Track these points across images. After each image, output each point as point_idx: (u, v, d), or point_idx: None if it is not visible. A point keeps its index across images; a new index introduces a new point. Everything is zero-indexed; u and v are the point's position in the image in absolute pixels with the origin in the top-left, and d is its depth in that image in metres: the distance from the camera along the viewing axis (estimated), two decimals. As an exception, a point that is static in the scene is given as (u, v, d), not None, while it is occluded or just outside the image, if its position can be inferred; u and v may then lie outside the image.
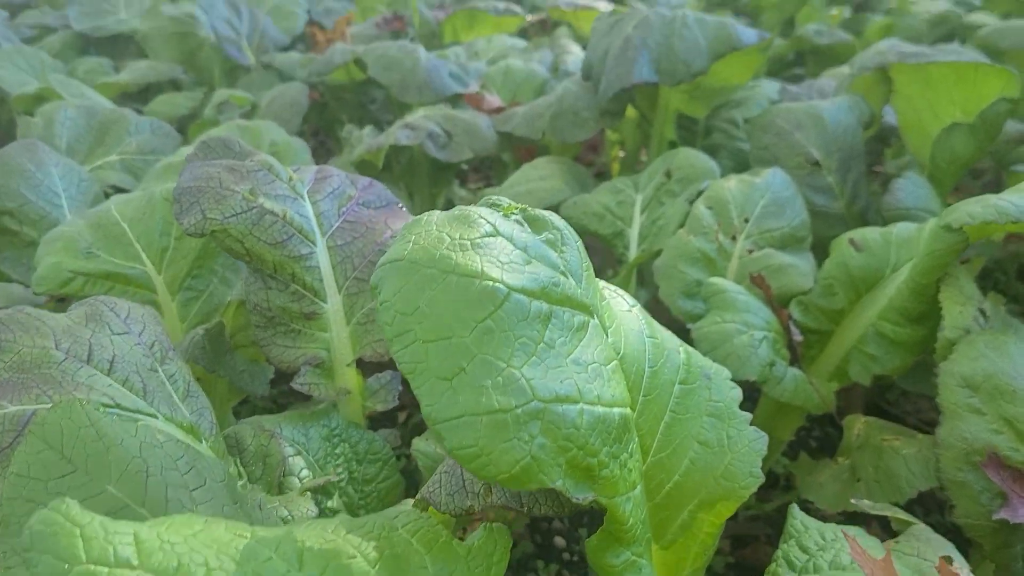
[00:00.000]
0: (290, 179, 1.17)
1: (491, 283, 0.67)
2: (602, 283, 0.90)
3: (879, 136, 1.84)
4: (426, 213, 0.74)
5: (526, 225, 0.77)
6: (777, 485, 1.43)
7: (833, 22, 3.44)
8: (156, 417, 0.86)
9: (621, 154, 2.40)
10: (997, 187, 2.42)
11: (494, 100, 1.99)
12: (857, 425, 1.20)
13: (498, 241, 0.71)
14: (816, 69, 3.08)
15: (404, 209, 1.26)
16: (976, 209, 1.04)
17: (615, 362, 0.75)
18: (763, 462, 1.29)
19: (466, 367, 0.64)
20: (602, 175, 2.82)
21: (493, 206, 0.80)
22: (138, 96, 2.90)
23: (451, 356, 0.65)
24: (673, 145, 1.92)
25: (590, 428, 0.68)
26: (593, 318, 0.75)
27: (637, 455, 0.77)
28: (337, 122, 2.50)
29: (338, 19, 2.87)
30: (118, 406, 0.83)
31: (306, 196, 1.17)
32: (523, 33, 3.27)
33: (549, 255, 0.75)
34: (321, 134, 2.82)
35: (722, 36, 1.61)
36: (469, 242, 0.70)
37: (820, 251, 1.53)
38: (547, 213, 0.79)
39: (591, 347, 0.72)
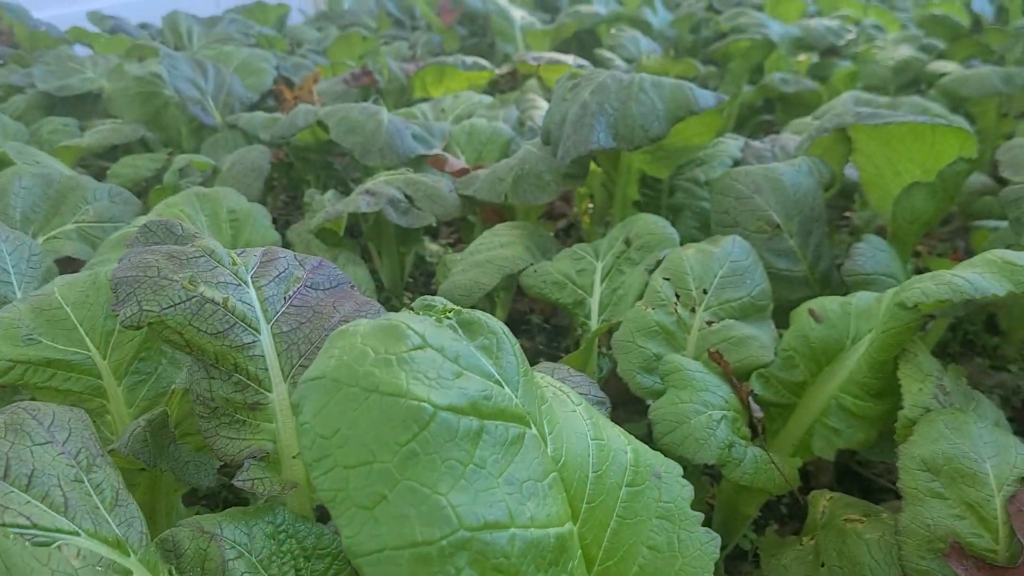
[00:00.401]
0: (233, 264, 1.14)
1: (416, 402, 0.64)
2: (547, 379, 0.87)
3: (843, 192, 1.83)
4: (353, 323, 0.71)
5: (460, 331, 0.74)
6: (745, 558, 1.39)
7: (801, 68, 3.47)
8: (78, 534, 0.82)
9: (591, 206, 2.39)
10: (965, 233, 2.42)
11: (457, 162, 1.98)
12: (822, 502, 1.17)
13: (427, 354, 0.68)
14: (784, 116, 3.10)
15: (355, 289, 1.23)
16: (931, 287, 1.02)
17: (554, 474, 0.72)
18: (729, 537, 1.25)
19: (388, 495, 0.61)
20: (573, 226, 2.81)
21: (427, 308, 0.77)
22: (108, 154, 2.87)
23: (373, 483, 0.61)
24: (637, 204, 1.91)
25: (522, 555, 0.64)
26: (530, 428, 0.72)
27: (581, 569, 0.74)
28: (305, 182, 2.48)
29: (306, 76, 2.87)
30: (35, 526, 0.78)
31: (250, 282, 1.14)
32: (495, 84, 3.28)
33: (483, 364, 0.72)
34: (288, 193, 2.80)
35: (679, 100, 1.60)
36: (395, 357, 0.67)
37: (785, 316, 1.51)
38: (483, 316, 0.77)
39: (526, 462, 0.69)
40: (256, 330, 1.11)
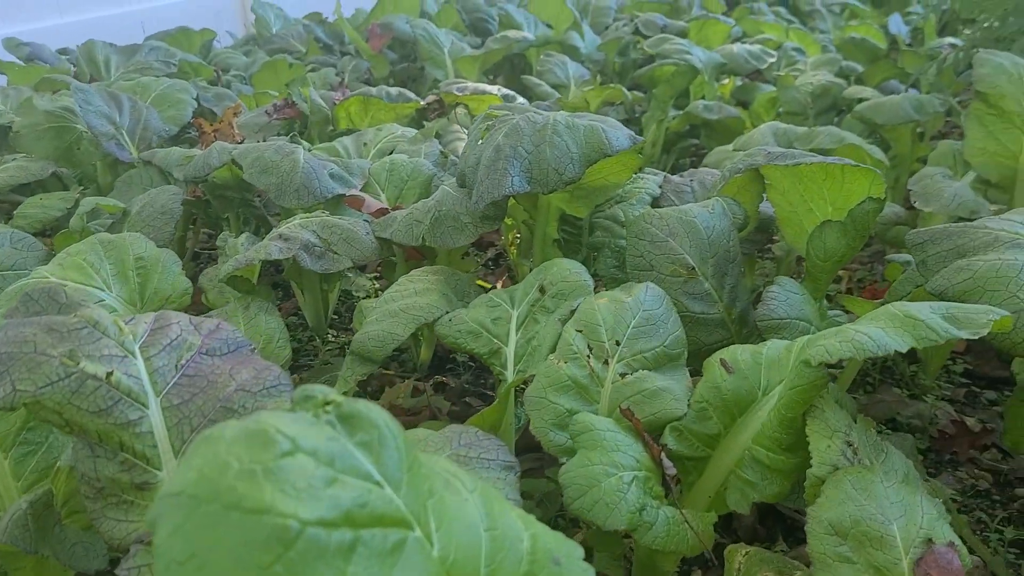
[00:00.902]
0: (120, 333, 1.09)
1: (282, 519, 0.60)
2: (439, 463, 0.84)
3: (761, 227, 1.84)
4: (219, 426, 0.66)
5: (339, 426, 0.70)
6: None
7: (725, 91, 3.51)
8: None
9: (519, 235, 2.36)
10: (883, 255, 2.46)
11: (374, 203, 1.93)
12: (737, 557, 1.15)
13: (297, 461, 0.64)
14: (710, 140, 3.13)
15: (255, 352, 1.18)
16: (834, 345, 1.02)
17: (439, 576, 0.69)
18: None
19: (250, 624, 0.57)
20: (501, 255, 2.79)
21: (305, 401, 0.73)
22: (21, 189, 2.75)
23: (233, 612, 0.57)
24: (557, 242, 1.89)
25: (398, 677, 0.61)
26: (413, 530, 0.69)
27: (471, 673, 0.70)
28: (223, 219, 2.41)
29: (226, 109, 2.79)
30: None
31: (138, 352, 1.08)
32: (423, 112, 3.25)
33: (361, 464, 0.68)
34: (209, 229, 2.72)
35: (593, 143, 1.59)
36: (260, 467, 0.62)
37: (703, 359, 1.51)
38: (365, 408, 0.73)
39: (408, 569, 0.66)
40: (144, 405, 1.05)
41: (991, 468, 1.70)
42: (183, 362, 1.11)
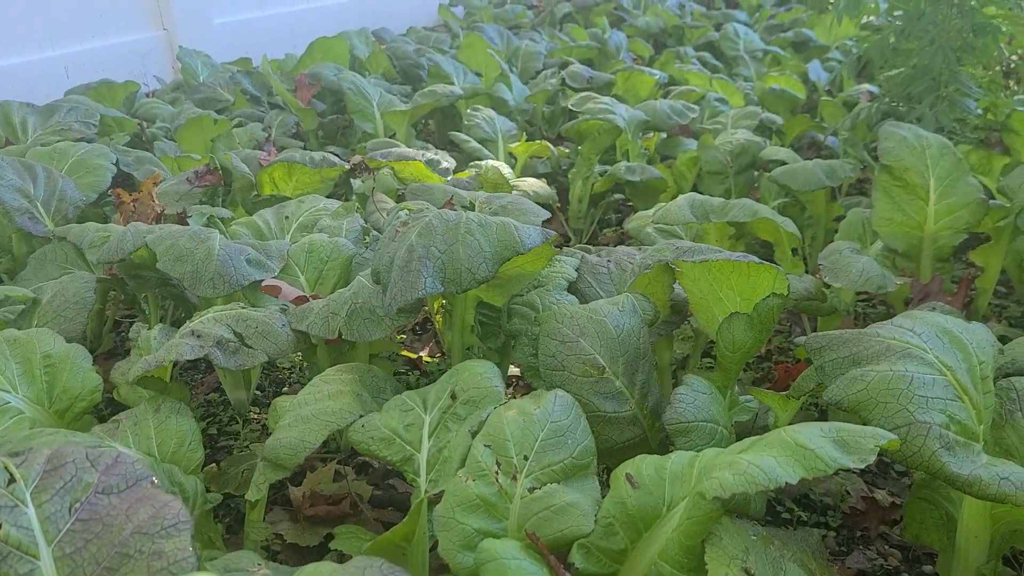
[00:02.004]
0: (10, 480, 1.06)
1: None
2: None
3: (676, 309, 1.87)
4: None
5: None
6: None
7: (649, 145, 3.58)
8: None
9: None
10: (800, 319, 2.53)
11: (291, 291, 1.92)
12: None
13: None
14: (635, 197, 3.18)
15: (156, 486, 1.16)
16: (728, 478, 1.04)
17: None
18: None
19: None
20: (428, 320, 2.78)
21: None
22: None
23: None
24: (474, 328, 1.90)
25: None
26: None
27: None
28: (141, 299, 2.37)
29: (146, 179, 2.74)
30: None
31: (29, 499, 1.05)
32: (352, 171, 3.24)
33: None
34: (126, 309, 2.66)
35: (506, 241, 1.61)
36: None
37: (615, 459, 1.52)
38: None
39: None
40: (35, 556, 1.02)
41: (900, 544, 1.75)
42: (78, 504, 1.08)
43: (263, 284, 1.93)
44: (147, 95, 5.69)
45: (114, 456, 1.16)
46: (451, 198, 2.05)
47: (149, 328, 1.95)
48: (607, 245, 3.26)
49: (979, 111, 3.21)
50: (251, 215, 2.85)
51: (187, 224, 2.56)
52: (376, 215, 2.54)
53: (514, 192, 2.86)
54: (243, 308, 1.83)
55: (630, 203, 3.49)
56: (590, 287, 1.94)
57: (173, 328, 1.92)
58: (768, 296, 1.55)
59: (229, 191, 2.97)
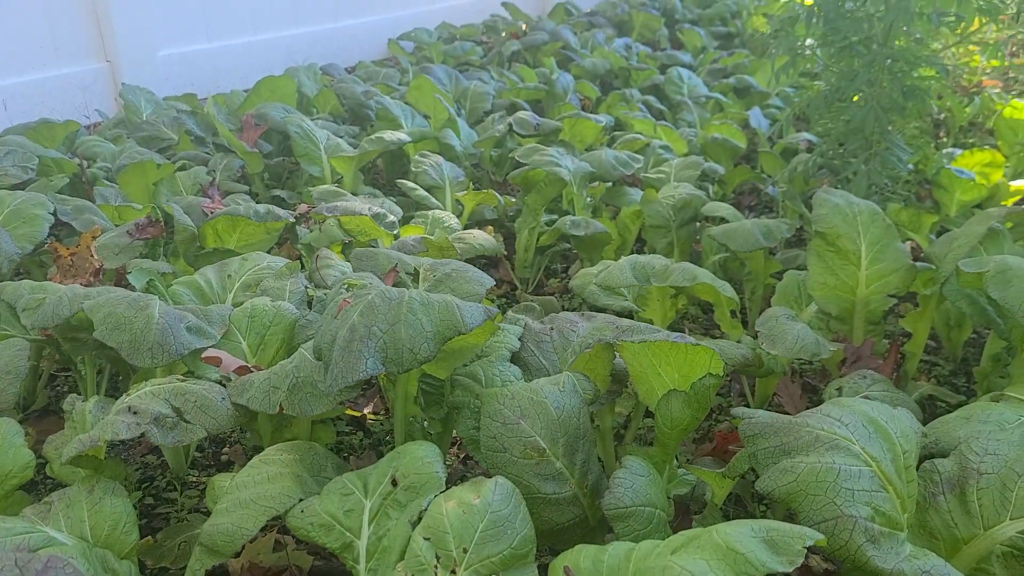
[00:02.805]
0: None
1: None
2: None
3: (616, 378, 1.90)
4: None
5: None
6: None
7: (595, 193, 3.63)
8: None
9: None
10: (740, 379, 2.59)
11: (232, 361, 1.90)
12: None
13: None
14: (580, 249, 3.22)
15: (86, 592, 1.14)
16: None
17: None
18: None
19: None
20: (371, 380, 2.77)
21: None
22: None
23: None
24: (417, 399, 1.90)
25: None
26: None
27: None
28: (79, 363, 2.32)
29: (84, 234, 2.69)
30: None
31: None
32: (298, 220, 3.22)
33: None
34: (63, 368, 2.60)
35: (448, 321, 1.62)
36: None
37: (557, 540, 1.54)
38: None
39: None
40: None
41: (833, 612, 1.79)
42: (3, 620, 1.05)
43: (204, 355, 1.91)
44: (88, 127, 5.59)
45: (43, 561, 1.14)
46: (395, 266, 2.06)
47: (85, 398, 1.91)
48: (552, 295, 3.30)
49: (911, 166, 3.33)
50: (194, 268, 2.83)
51: (127, 279, 2.52)
52: (323, 270, 2.53)
53: (461, 243, 2.88)
54: (181, 380, 1.81)
55: (574, 252, 3.54)
56: (533, 356, 1.96)
57: (110, 399, 1.89)
58: (705, 376, 1.59)
59: (171, 241, 2.93)
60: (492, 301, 3.22)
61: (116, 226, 3.08)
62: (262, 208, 2.85)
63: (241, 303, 2.30)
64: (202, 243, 2.87)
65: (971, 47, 3.41)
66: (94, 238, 2.67)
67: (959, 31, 3.21)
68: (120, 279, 2.65)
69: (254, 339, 2.10)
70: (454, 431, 1.94)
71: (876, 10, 3.08)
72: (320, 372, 1.72)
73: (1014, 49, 4.93)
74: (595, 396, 1.65)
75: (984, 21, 3.20)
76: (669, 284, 2.27)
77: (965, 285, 2.04)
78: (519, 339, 1.97)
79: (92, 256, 2.62)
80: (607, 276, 2.33)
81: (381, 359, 1.57)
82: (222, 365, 1.89)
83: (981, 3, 3.13)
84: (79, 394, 2.45)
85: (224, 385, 1.84)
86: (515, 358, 1.94)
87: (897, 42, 3.07)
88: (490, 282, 2.02)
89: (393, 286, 2.05)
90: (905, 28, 2.98)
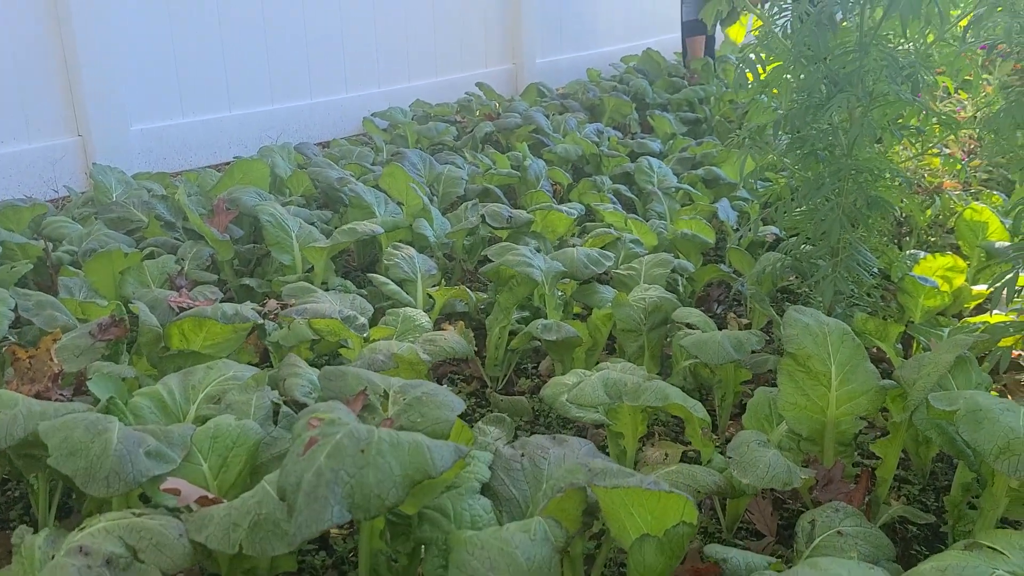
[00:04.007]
0: None
1: None
2: None
3: (587, 511, 1.87)
4: None
5: None
6: None
7: (567, 290, 3.64)
8: None
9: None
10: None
11: (192, 491, 1.84)
12: None
13: None
14: (552, 353, 3.21)
15: None
16: None
17: None
18: None
19: None
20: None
21: None
22: None
23: None
24: (383, 534, 1.86)
25: None
26: None
27: None
28: (33, 481, 2.24)
29: (44, 337, 2.63)
30: None
31: None
32: (266, 316, 3.18)
33: None
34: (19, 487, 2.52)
35: (418, 463, 1.59)
36: None
37: None
38: None
39: None
40: None
41: None
42: None
43: (163, 486, 1.85)
44: (56, 201, 5.54)
45: None
46: (364, 389, 2.02)
47: (37, 519, 1.84)
48: (523, 394, 3.27)
49: (876, 270, 3.38)
50: (157, 369, 2.77)
51: (87, 384, 2.45)
52: (291, 379, 2.49)
53: (432, 346, 2.85)
54: (137, 516, 1.74)
55: (548, 351, 3.52)
56: (503, 485, 1.93)
57: (62, 530, 1.81)
58: (678, 524, 1.57)
59: (135, 340, 2.87)
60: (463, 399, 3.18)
61: (79, 321, 3.03)
62: (230, 309, 2.81)
63: (205, 417, 2.25)
64: (167, 344, 2.81)
65: (932, 149, 3.51)
66: (55, 341, 2.61)
67: (919, 145, 3.30)
68: (80, 384, 2.58)
69: (216, 461, 2.04)
70: (420, 567, 1.89)
71: (841, 121, 3.16)
72: (283, 511, 1.67)
73: (973, 147, 5.10)
74: (567, 542, 1.62)
75: (944, 134, 3.30)
76: (641, 404, 2.25)
77: (935, 416, 2.04)
78: (489, 467, 1.93)
79: (52, 360, 2.56)
80: (579, 394, 2.31)
81: (348, 506, 1.53)
82: (181, 495, 1.83)
83: (942, 117, 3.23)
84: (30, 505, 2.37)
85: (182, 518, 1.78)
86: (485, 488, 1.90)
87: (861, 153, 3.15)
88: (461, 407, 2.00)
89: (362, 408, 2.02)
90: (868, 143, 3.06)
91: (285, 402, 2.41)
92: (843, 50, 3.09)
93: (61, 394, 2.54)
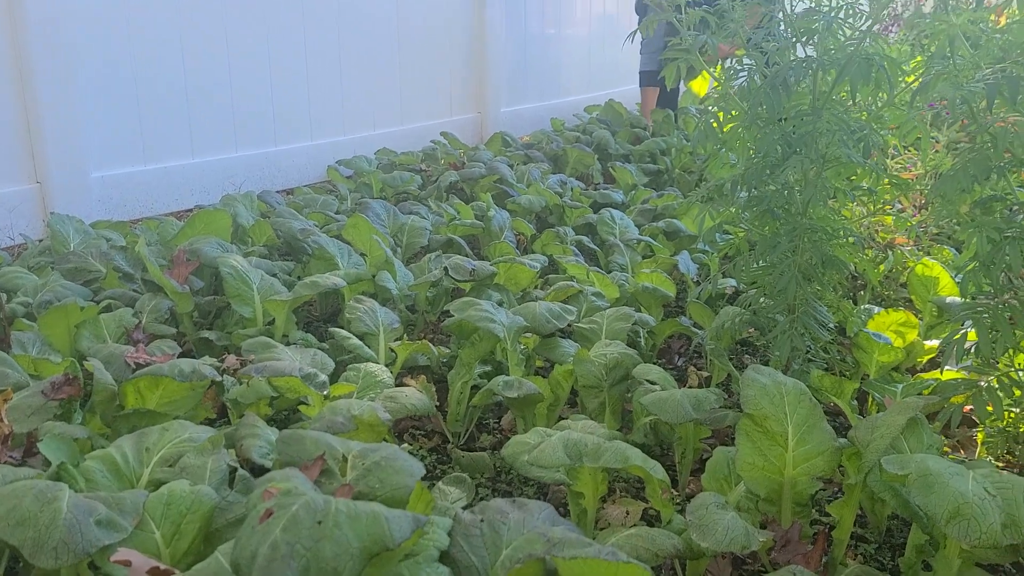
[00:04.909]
0: None
1: None
2: None
3: (549, 573, 1.86)
4: None
5: None
6: None
7: (529, 344, 3.65)
8: None
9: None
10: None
11: (143, 562, 1.80)
12: None
13: None
14: (514, 409, 3.21)
15: None
16: None
17: None
18: None
19: None
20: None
21: None
22: None
23: None
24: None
25: None
26: None
27: None
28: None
29: (-7, 396, 2.58)
30: None
31: None
32: (224, 372, 3.14)
33: None
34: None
35: (375, 535, 1.58)
36: None
37: None
38: None
39: None
40: None
41: None
42: None
43: (113, 557, 1.80)
44: (11, 249, 5.46)
45: None
46: (322, 454, 2.01)
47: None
48: (485, 450, 3.26)
49: (832, 325, 3.45)
50: (111, 429, 2.72)
51: (37, 446, 2.40)
52: (249, 439, 2.46)
53: (392, 403, 2.84)
54: (88, 589, 1.70)
55: (509, 407, 3.52)
56: (462, 552, 1.91)
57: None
58: (638, 591, 1.56)
59: (89, 399, 2.82)
60: (423, 459, 3.16)
61: (32, 378, 2.97)
62: (187, 367, 2.77)
63: (159, 480, 2.21)
64: (122, 402, 2.77)
65: (884, 207, 3.60)
66: (6, 400, 2.55)
67: (872, 205, 3.40)
68: (31, 445, 2.52)
69: (169, 528, 2.00)
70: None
71: (796, 181, 3.24)
72: None
73: (924, 202, 5.25)
74: (526, 614, 1.61)
75: (895, 194, 3.39)
76: (601, 465, 2.26)
77: (888, 479, 2.08)
78: (448, 533, 1.92)
79: (2, 420, 2.50)
80: (539, 455, 2.31)
81: (303, 580, 1.50)
82: (132, 567, 1.79)
83: (893, 178, 3.33)
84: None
85: (133, 591, 1.74)
86: (444, 555, 1.89)
87: (815, 212, 3.23)
88: (420, 471, 1.99)
89: (320, 474, 2.00)
90: (822, 203, 3.14)
91: (242, 464, 2.38)
92: (797, 112, 3.19)
93: (11, 456, 2.48)
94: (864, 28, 3.01)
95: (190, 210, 6.46)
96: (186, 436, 2.37)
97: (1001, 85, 2.50)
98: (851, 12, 3.06)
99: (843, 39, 3.10)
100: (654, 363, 3.96)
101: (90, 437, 2.54)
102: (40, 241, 5.22)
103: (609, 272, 4.67)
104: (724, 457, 2.49)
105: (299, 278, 4.47)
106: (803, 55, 3.20)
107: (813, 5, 3.23)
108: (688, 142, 7.42)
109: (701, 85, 9.38)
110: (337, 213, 5.75)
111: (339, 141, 7.68)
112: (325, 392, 2.89)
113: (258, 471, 2.40)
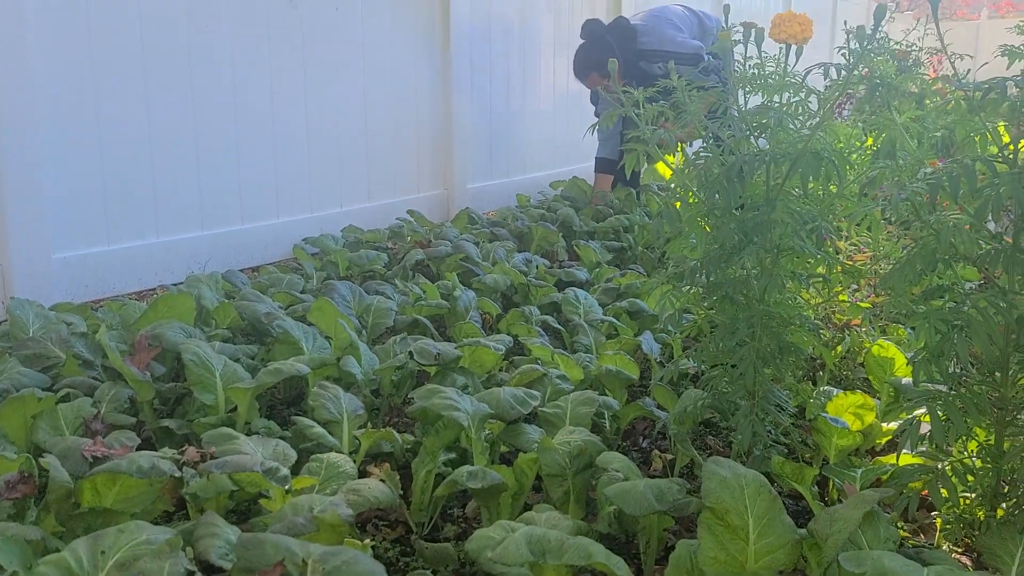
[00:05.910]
0: None
1: None
2: None
3: None
4: None
5: None
6: None
7: (495, 429, 3.65)
8: None
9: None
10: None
11: None
12: None
13: None
14: (478, 499, 3.19)
15: None
16: None
17: None
18: None
19: None
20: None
21: None
22: None
23: None
24: None
25: None
26: None
27: None
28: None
29: (-57, 495, 2.52)
30: None
31: None
32: (184, 464, 3.10)
33: None
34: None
35: (333, 651, 1.55)
36: None
37: None
38: None
39: None
40: None
41: None
42: None
43: (63, 673, 1.76)
44: (-31, 333, 5.36)
45: None
46: (283, 560, 1.99)
47: None
48: (449, 541, 3.23)
49: (792, 409, 3.50)
50: (66, 529, 2.66)
51: (-12, 549, 2.34)
52: (206, 540, 2.42)
53: (355, 495, 2.82)
54: None
55: (474, 496, 3.50)
56: (424, 659, 1.89)
57: None
58: None
59: (44, 496, 2.76)
60: (386, 551, 3.13)
61: (-16, 474, 2.90)
62: (146, 463, 2.73)
63: (113, 586, 2.17)
64: (78, 499, 2.71)
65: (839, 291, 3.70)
66: (-43, 501, 2.49)
67: (826, 292, 3.50)
68: (-19, 548, 2.45)
69: (124, 639, 1.95)
70: None
71: (752, 269, 3.33)
72: None
73: (876, 281, 5.39)
74: None
75: (848, 281, 3.50)
76: (564, 563, 2.26)
77: (846, 574, 2.10)
78: (410, 641, 1.90)
79: (-48, 522, 2.44)
80: (503, 552, 2.30)
81: None
82: None
83: (846, 266, 3.44)
84: None
85: None
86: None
87: (772, 299, 3.31)
88: (381, 574, 1.98)
89: (279, 579, 1.98)
90: (778, 289, 3.23)
91: (199, 565, 2.33)
92: (751, 203, 3.30)
93: (-41, 560, 2.41)
94: (813, 124, 3.14)
95: (154, 289, 6.43)
96: (143, 538, 2.32)
97: (943, 182, 2.62)
98: (801, 110, 3.20)
99: (794, 133, 3.24)
100: (619, 445, 3.99)
101: (43, 538, 2.48)
102: (1, 323, 5.15)
103: (574, 352, 4.71)
104: (687, 551, 2.49)
105: (263, 361, 4.45)
106: (757, 146, 3.33)
107: (765, 100, 3.37)
108: (650, 219, 7.58)
109: (663, 166, 9.62)
110: (303, 293, 5.75)
111: (306, 219, 7.73)
112: (287, 486, 2.86)
113: (216, 571, 2.36)
